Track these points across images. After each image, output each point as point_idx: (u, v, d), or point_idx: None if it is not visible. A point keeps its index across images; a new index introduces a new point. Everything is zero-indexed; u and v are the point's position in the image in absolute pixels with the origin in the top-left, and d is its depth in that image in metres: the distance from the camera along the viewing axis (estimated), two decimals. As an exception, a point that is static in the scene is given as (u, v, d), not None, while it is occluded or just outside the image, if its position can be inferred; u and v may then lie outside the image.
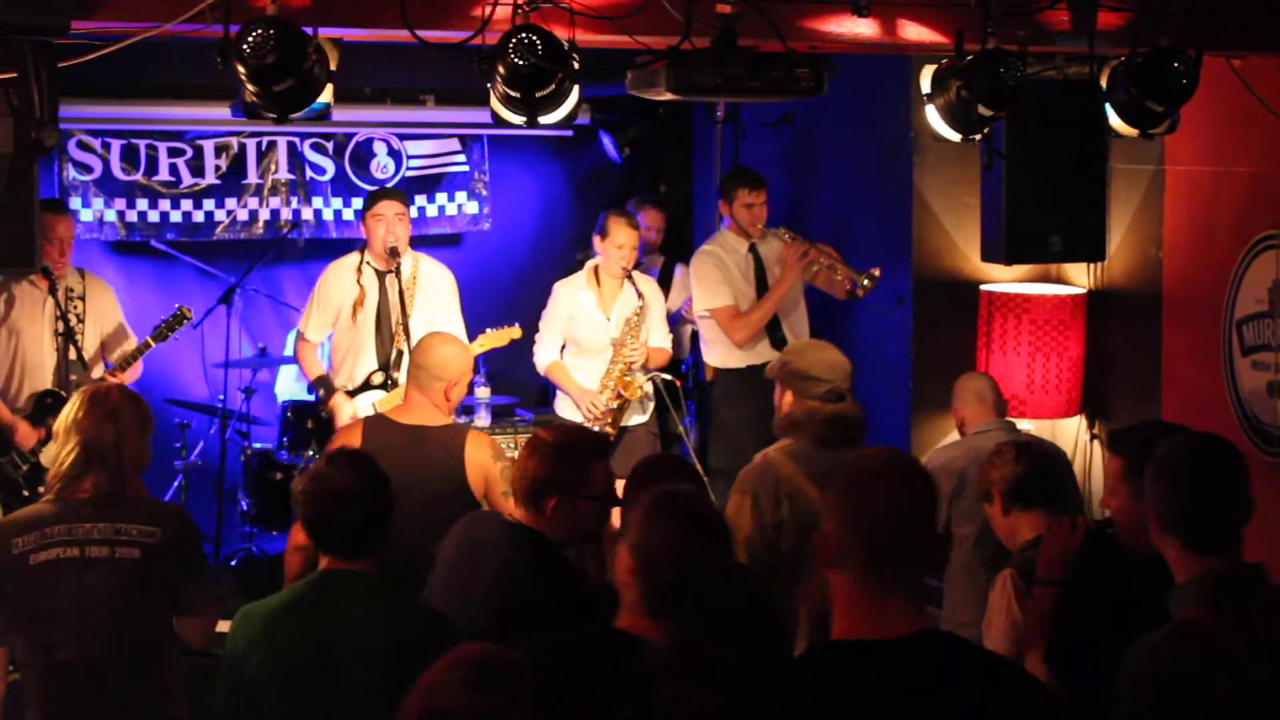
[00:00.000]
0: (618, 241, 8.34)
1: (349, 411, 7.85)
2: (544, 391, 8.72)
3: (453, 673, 2.72)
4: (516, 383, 9.42)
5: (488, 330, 8.23)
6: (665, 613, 3.68)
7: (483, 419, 8.84)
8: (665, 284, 9.54)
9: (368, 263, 8.05)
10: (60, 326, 7.65)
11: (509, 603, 4.59)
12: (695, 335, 9.31)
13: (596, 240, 8.47)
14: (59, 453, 5.06)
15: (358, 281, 8.02)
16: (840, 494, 3.29)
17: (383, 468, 4.53)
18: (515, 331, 8.33)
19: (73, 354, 7.67)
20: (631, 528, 3.87)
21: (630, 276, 8.41)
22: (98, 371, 7.75)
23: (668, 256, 9.90)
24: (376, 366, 8.01)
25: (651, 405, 8.56)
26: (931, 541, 3.29)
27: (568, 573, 4.77)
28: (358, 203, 10.02)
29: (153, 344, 7.93)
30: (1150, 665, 3.62)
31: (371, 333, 8.02)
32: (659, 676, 3.46)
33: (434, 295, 8.11)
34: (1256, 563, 3.79)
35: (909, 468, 3.33)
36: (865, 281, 8.24)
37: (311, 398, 8.50)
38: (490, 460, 6.19)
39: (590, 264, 8.58)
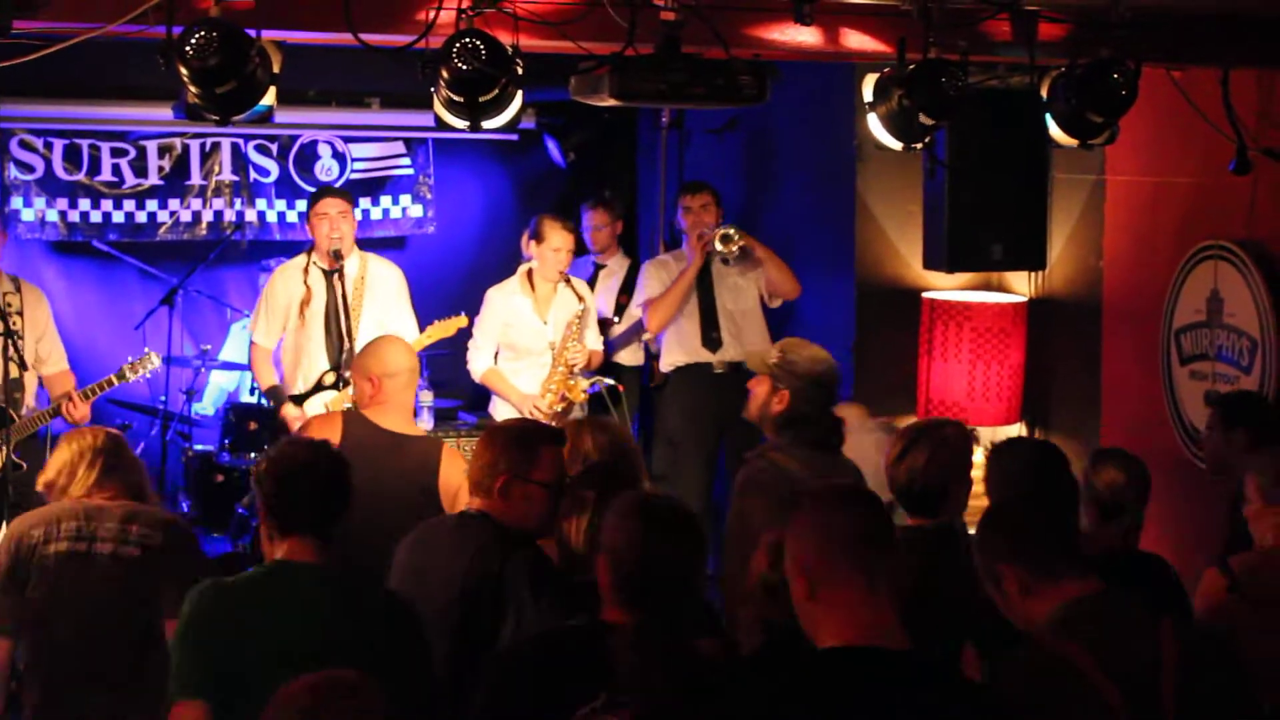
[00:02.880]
0: (554, 245, 8.31)
1: (298, 417, 7.74)
2: (487, 396, 8.69)
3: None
4: (460, 387, 9.39)
5: (435, 322, 8.18)
6: (632, 602, 3.80)
7: (425, 422, 8.78)
8: (629, 283, 9.41)
9: (315, 263, 8.04)
10: (2, 327, 7.24)
11: (469, 580, 4.58)
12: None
13: (531, 244, 8.44)
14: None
15: (304, 282, 7.99)
16: (816, 513, 3.40)
17: (359, 467, 4.47)
18: (461, 320, 8.26)
19: (14, 371, 7.27)
20: (603, 528, 3.94)
21: (568, 280, 8.40)
22: (32, 381, 7.57)
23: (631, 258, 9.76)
24: (328, 367, 7.97)
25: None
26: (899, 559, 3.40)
27: (524, 550, 4.65)
28: (301, 204, 9.96)
29: (115, 383, 7.70)
30: None
31: (321, 333, 8.00)
32: (620, 655, 3.56)
33: (384, 294, 8.10)
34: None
35: (867, 492, 3.60)
36: (718, 236, 8.45)
37: (265, 403, 8.44)
38: (462, 478, 6.07)
39: (523, 268, 8.52)
